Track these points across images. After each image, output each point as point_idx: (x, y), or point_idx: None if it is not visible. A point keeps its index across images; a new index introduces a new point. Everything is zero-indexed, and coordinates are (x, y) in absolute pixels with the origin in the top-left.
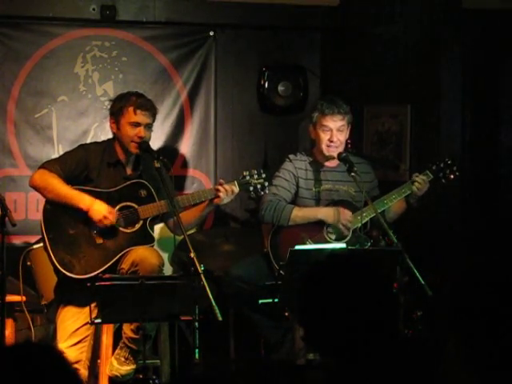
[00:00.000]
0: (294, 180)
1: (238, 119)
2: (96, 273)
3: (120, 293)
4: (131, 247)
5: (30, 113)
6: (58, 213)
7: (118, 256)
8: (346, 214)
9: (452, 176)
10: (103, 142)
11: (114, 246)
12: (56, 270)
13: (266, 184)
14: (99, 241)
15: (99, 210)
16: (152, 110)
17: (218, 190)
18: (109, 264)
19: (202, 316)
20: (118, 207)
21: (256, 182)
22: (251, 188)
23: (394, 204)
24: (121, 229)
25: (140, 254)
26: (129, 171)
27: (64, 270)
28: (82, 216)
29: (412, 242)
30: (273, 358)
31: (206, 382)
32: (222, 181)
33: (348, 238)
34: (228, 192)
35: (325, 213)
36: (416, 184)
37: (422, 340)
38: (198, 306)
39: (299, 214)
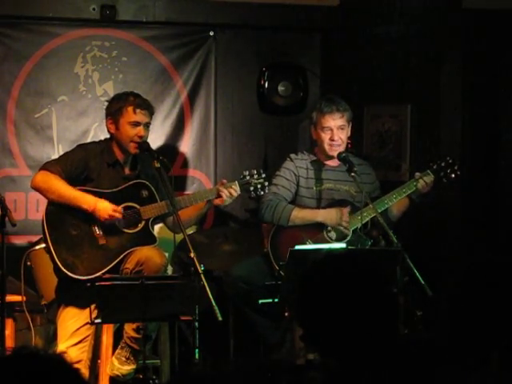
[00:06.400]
0: (295, 179)
1: (238, 119)
2: (99, 274)
3: (120, 293)
4: (134, 248)
5: (30, 113)
6: (60, 214)
7: (120, 257)
8: (345, 215)
9: (453, 175)
10: (101, 141)
11: (117, 247)
12: (57, 271)
13: (266, 184)
14: (102, 241)
15: (105, 208)
16: (150, 109)
17: (220, 192)
18: (112, 265)
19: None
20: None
21: (256, 181)
22: (251, 188)
23: (396, 202)
24: (123, 229)
25: (145, 253)
26: (127, 171)
27: (67, 271)
28: (85, 217)
29: (412, 242)
30: (273, 358)
31: (206, 382)
32: (224, 181)
33: (348, 238)
34: (232, 195)
35: (324, 215)
36: (421, 182)
37: (422, 340)
38: (198, 306)
39: (299, 215)
